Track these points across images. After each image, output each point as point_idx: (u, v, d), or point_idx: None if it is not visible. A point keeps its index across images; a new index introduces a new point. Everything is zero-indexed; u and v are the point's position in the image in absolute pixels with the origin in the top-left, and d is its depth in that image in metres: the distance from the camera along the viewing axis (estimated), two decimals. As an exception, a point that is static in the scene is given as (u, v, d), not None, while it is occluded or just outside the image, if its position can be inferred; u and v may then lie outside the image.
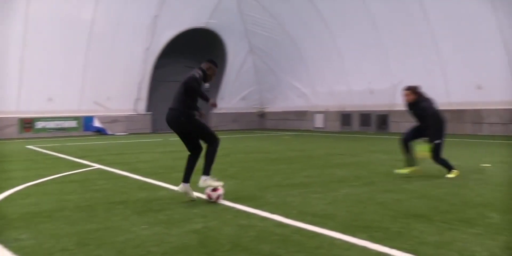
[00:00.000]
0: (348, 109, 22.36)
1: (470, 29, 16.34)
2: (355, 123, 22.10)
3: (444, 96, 18.07)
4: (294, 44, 23.27)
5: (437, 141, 6.71)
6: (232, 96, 25.48)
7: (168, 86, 24.62)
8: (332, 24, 20.97)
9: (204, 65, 5.72)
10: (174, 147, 13.92)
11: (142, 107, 23.28)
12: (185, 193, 5.41)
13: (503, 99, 16.39)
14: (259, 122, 27.04)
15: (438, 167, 7.79)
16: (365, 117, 21.62)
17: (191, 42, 23.77)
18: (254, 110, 26.90)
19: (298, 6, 21.55)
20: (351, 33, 20.40)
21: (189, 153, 5.57)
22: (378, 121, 21.02)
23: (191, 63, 25.25)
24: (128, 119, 22.84)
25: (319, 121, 23.79)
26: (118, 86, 22.10)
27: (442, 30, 17.26)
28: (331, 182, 6.55)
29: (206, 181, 5.29)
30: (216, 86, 25.06)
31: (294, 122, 25.37)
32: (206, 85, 5.81)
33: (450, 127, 17.98)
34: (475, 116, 17.50)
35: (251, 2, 22.95)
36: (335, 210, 4.77)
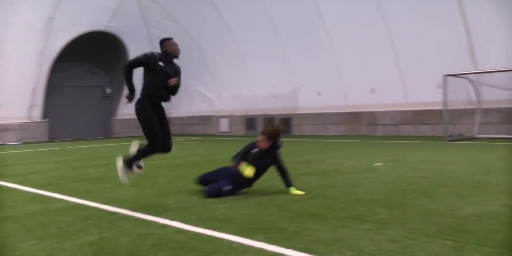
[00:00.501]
0: (252, 113, 22.73)
1: (363, 35, 17.34)
2: (260, 126, 22.49)
3: (342, 99, 19.05)
4: (198, 49, 23.23)
5: (228, 188, 5.80)
6: (135, 102, 24.81)
7: (66, 91, 23.52)
8: (235, 29, 21.24)
9: (161, 48, 5.51)
10: (72, 155, 13.29)
11: (37, 114, 21.90)
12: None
13: (394, 101, 17.58)
14: (164, 127, 26.63)
15: (334, 167, 8.16)
16: (269, 121, 22.09)
17: (91, 46, 22.84)
18: (159, 116, 26.45)
19: (201, 10, 21.57)
20: (254, 38, 20.78)
21: None
22: (281, 124, 21.58)
23: (91, 67, 24.34)
24: (21, 127, 21.37)
25: (224, 126, 23.94)
26: (9, 92, 20.58)
27: (338, 36, 18.15)
28: (233, 186, 6.59)
29: (119, 162, 5.33)
30: (118, 92, 24.28)
31: (199, 127, 25.31)
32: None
33: (348, 129, 19.07)
34: (370, 118, 18.58)
35: (153, 6, 22.57)
36: (234, 214, 4.80)
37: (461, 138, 14.80)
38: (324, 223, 4.29)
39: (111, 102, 25.09)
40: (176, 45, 5.56)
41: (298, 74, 20.04)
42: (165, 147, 5.46)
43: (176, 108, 26.29)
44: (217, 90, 24.00)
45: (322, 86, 19.45)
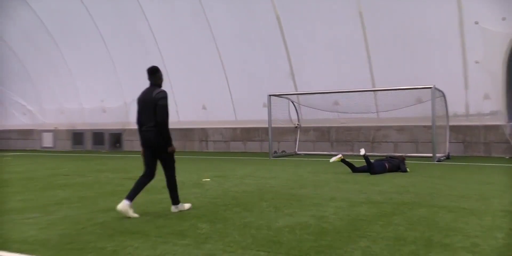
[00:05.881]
0: (79, 127, 21.51)
1: (194, 53, 17.72)
2: (88, 142, 21.39)
3: (174, 115, 19.09)
4: (17, 59, 21.36)
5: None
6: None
7: None
8: (60, 40, 20.07)
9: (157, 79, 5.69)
10: None
11: None
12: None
13: (224, 119, 18.22)
14: (-26, 142, 23.69)
15: (162, 184, 8.13)
16: (98, 136, 21.13)
17: None
18: (-32, 129, 23.48)
19: (20, 18, 19.92)
20: (82, 50, 19.86)
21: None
22: (111, 140, 20.79)
23: None
24: None
25: (47, 140, 22.20)
26: None
27: (169, 52, 18.26)
28: (50, 205, 6.13)
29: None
30: None
31: (18, 142, 23.08)
32: None
33: (180, 145, 19.15)
34: (202, 134, 18.94)
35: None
36: (48, 235, 4.45)
37: (284, 154, 15.89)
38: (145, 240, 4.21)
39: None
40: None
41: (129, 88, 19.58)
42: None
43: (-11, 120, 23.70)
44: (40, 103, 22.21)
45: (153, 101, 19.30)
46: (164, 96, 5.44)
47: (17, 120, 22.83)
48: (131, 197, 5.32)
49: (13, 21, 20.21)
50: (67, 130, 21.81)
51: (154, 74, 5.64)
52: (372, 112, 15.27)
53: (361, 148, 10.18)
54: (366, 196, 6.50)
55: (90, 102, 20.70)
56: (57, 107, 21.67)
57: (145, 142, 5.49)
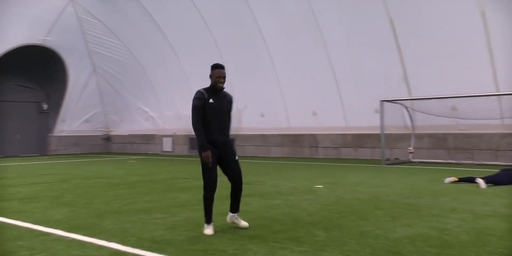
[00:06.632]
0: (195, 132, 22.61)
1: (305, 59, 17.79)
2: (203, 146, 22.39)
3: (284, 121, 19.35)
4: (141, 67, 22.99)
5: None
6: (74, 118, 24.08)
7: (-1, 106, 22.50)
8: (178, 48, 21.23)
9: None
10: (2, 173, 12.65)
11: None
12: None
13: (334, 125, 18.06)
14: (104, 145, 25.91)
15: (275, 189, 8.24)
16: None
17: (25, 60, 21.91)
18: (99, 133, 25.74)
19: (143, 29, 21.42)
20: (197, 57, 20.79)
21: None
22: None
23: (24, 81, 23.38)
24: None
25: (167, 145, 23.62)
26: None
27: (280, 59, 18.51)
28: (173, 207, 6.52)
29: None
30: (57, 108, 23.49)
31: (141, 146, 24.84)
32: None
33: (290, 151, 19.29)
34: (312, 140, 18.95)
35: (94, 22, 22.18)
36: (174, 235, 4.74)
37: (397, 162, 15.35)
38: (263, 244, 4.31)
39: (48, 118, 24.16)
40: (220, 76, 5.07)
41: (241, 95, 20.14)
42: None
43: (117, 126, 25.76)
44: (160, 109, 23.74)
45: (265, 108, 19.69)
46: (194, 97, 4.96)
47: (141, 126, 24.59)
48: (234, 209, 5.18)
49: (137, 33, 21.86)
50: (185, 135, 23.04)
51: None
52: (495, 118, 14.20)
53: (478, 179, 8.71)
54: (493, 209, 6.06)
55: (205, 109, 21.68)
56: (175, 113, 22.99)
57: None
